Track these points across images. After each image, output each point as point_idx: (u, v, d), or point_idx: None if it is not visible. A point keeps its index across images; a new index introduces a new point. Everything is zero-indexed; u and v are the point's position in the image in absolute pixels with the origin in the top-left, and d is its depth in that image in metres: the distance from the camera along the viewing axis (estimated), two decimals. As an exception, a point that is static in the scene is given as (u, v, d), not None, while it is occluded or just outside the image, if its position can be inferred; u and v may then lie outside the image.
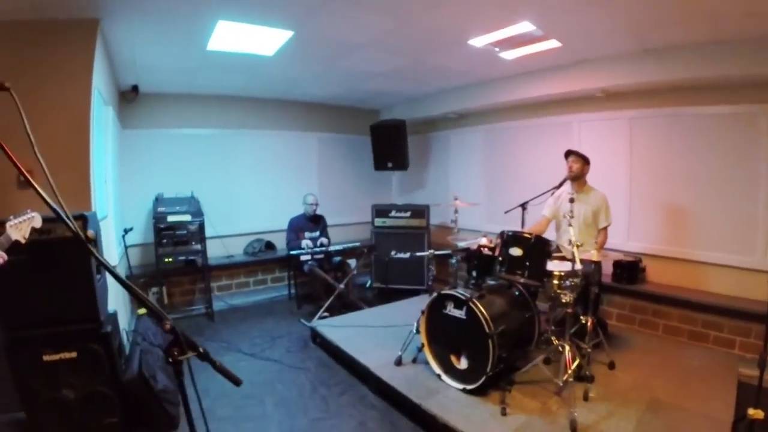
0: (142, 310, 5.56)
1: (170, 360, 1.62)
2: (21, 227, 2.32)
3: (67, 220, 1.64)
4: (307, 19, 4.61)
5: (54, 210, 1.64)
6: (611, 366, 4.68)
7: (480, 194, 8.28)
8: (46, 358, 3.49)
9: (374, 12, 4.48)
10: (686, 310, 5.61)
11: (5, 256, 2.21)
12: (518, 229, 5.23)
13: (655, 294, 5.84)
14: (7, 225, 2.28)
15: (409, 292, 7.55)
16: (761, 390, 3.26)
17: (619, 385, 4.35)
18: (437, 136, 9.60)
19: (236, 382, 1.77)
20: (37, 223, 2.43)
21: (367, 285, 8.60)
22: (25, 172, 1.66)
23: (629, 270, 5.98)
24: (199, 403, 1.92)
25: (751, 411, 3.25)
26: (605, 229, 5.26)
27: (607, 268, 6.04)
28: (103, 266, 1.79)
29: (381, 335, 5.53)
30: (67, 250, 3.43)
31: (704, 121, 5.58)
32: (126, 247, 6.51)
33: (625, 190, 6.32)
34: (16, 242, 2.27)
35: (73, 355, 3.55)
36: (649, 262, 6.11)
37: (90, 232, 1.64)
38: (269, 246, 8.25)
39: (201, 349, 1.67)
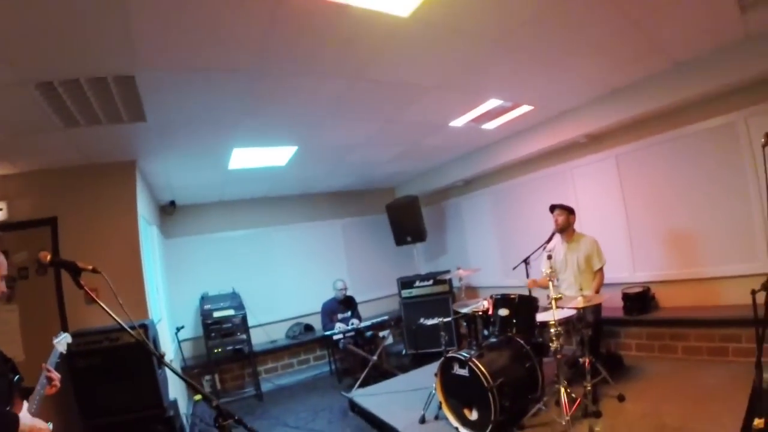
0: (198, 397, 6.21)
1: (217, 425, 2.23)
2: (62, 343, 3.03)
3: (149, 346, 2.31)
4: (306, 135, 5.39)
5: (134, 335, 2.27)
6: (621, 398, 4.82)
7: (494, 252, 8.73)
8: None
9: (361, 119, 5.21)
10: (702, 328, 5.61)
11: (58, 376, 2.78)
12: (525, 282, 5.68)
13: (668, 319, 5.92)
14: (54, 342, 2.98)
15: (438, 354, 7.68)
16: (762, 397, 3.42)
17: (626, 417, 4.48)
18: (450, 204, 10.08)
19: None
20: (69, 339, 3.12)
21: (403, 352, 8.92)
22: (91, 293, 2.22)
23: (639, 300, 6.11)
24: None
25: (756, 421, 3.26)
26: (600, 270, 5.54)
27: (618, 302, 6.27)
28: (175, 373, 2.41)
29: (409, 398, 5.90)
30: (134, 352, 4.15)
31: (686, 142, 5.77)
32: (179, 342, 7.21)
33: (622, 223, 6.54)
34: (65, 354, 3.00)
35: (143, 437, 4.25)
36: (659, 289, 6.21)
37: (162, 351, 2.20)
38: (308, 328, 8.81)
39: (236, 416, 2.26)
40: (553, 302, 4.45)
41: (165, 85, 3.60)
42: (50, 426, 2.54)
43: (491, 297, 5.15)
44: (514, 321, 4.84)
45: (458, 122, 5.93)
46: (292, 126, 5.07)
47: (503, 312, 4.91)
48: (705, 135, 5.60)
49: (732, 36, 4.49)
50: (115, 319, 2.21)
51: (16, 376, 2.66)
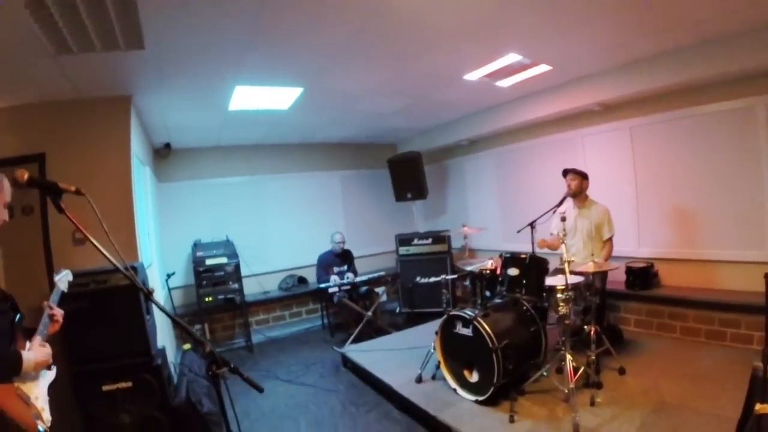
0: (187, 346, 6.07)
1: (210, 374, 2.07)
2: (63, 281, 2.86)
3: (137, 282, 2.07)
4: (313, 76, 5.07)
5: (122, 271, 2.04)
6: (621, 371, 4.83)
7: (495, 215, 8.61)
8: (105, 388, 4.00)
9: (372, 63, 4.90)
10: (702, 310, 5.61)
11: (61, 313, 2.63)
12: (529, 248, 5.45)
13: (669, 297, 5.90)
14: (56, 279, 2.82)
15: (434, 314, 7.64)
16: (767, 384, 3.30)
17: (627, 390, 4.48)
18: (452, 163, 9.94)
19: (259, 389, 2.18)
20: (71, 277, 2.97)
21: (397, 310, 8.86)
22: (84, 231, 2.01)
23: (642, 276, 6.08)
24: (235, 416, 2.32)
25: (758, 406, 3.18)
26: (610, 239, 5.48)
27: (621, 276, 6.17)
28: (163, 311, 2.22)
29: (405, 356, 5.83)
30: (122, 296, 4.00)
31: (703, 121, 5.64)
32: (170, 290, 7.07)
33: (631, 197, 6.44)
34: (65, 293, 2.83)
35: (129, 384, 4.06)
36: (662, 266, 6.17)
37: (151, 288, 2.05)
38: (301, 281, 8.68)
39: (231, 365, 2.11)
40: (567, 264, 4.29)
41: (168, 9, 3.27)
42: (53, 368, 2.42)
43: (500, 255, 5.00)
44: (524, 281, 4.68)
45: (473, 76, 5.64)
46: (299, 66, 4.75)
47: (513, 272, 4.75)
48: (723, 116, 5.47)
49: (762, 18, 4.34)
50: (103, 254, 2.01)
51: (18, 315, 2.49)
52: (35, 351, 2.28)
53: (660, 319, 6.10)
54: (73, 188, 2.06)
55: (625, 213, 6.12)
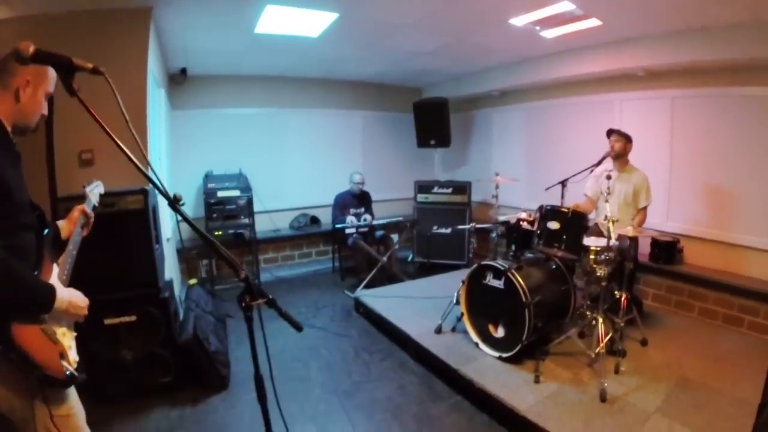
0: (193, 281, 5.86)
1: (243, 305, 1.79)
2: (95, 192, 2.58)
3: (159, 185, 1.77)
4: (352, 1, 4.71)
5: (149, 179, 1.77)
6: (644, 343, 4.75)
7: (521, 171, 8.29)
8: (107, 321, 3.79)
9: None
10: (723, 293, 5.55)
11: (92, 215, 2.43)
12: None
13: (692, 275, 5.79)
14: (87, 191, 2.54)
15: (449, 266, 7.67)
16: None
17: (650, 362, 4.42)
18: (480, 114, 9.60)
19: (298, 328, 1.95)
20: (102, 189, 2.70)
21: (409, 259, 8.72)
22: (122, 145, 1.73)
23: (667, 250, 5.95)
24: (265, 345, 2.05)
25: None
26: (645, 208, 5.28)
27: (645, 248, 6.05)
28: (191, 225, 1.91)
29: (421, 305, 5.68)
30: (130, 221, 3.77)
31: (749, 103, 5.41)
32: (178, 222, 6.76)
33: (665, 170, 6.22)
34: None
35: (133, 318, 3.85)
36: (688, 243, 6.04)
37: (178, 194, 1.76)
38: (314, 220, 8.45)
39: (270, 296, 1.84)
40: (611, 224, 4.05)
41: None
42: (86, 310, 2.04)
43: (540, 208, 4.71)
44: (564, 237, 4.40)
45: (519, 20, 5.32)
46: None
47: (553, 225, 4.46)
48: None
49: None
50: (145, 175, 1.78)
51: (46, 230, 2.16)
52: (71, 293, 1.96)
53: (679, 297, 6.04)
54: (90, 65, 1.73)
55: (657, 185, 5.80)
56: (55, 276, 2.04)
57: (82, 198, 2.50)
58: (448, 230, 7.68)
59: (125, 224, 3.78)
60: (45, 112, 2.04)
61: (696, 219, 6.02)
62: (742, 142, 5.52)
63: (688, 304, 5.93)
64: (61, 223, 2.36)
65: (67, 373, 1.87)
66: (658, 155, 6.25)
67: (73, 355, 2.00)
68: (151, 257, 3.94)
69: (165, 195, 1.79)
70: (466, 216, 8.10)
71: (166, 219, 5.59)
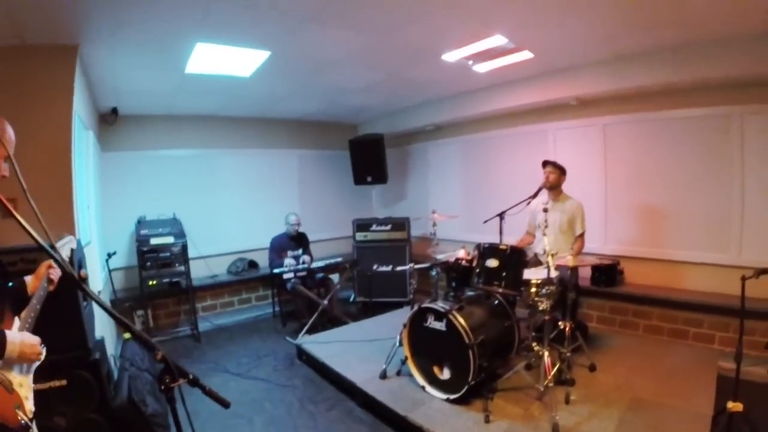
0: (128, 335, 5.58)
1: (162, 388, 1.68)
2: (66, 248, 2.50)
3: (64, 265, 1.72)
4: (283, 39, 4.64)
5: (47, 251, 1.69)
6: (592, 368, 4.78)
7: (459, 205, 8.37)
8: (36, 387, 3.51)
9: (349, 30, 4.52)
10: (666, 309, 5.73)
11: (59, 274, 2.35)
12: (496, 239, 5.27)
13: (634, 295, 5.94)
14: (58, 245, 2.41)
15: (392, 304, 7.58)
16: (739, 383, 3.36)
17: (600, 387, 4.43)
18: (416, 149, 9.62)
19: (225, 405, 1.82)
20: (74, 245, 2.58)
21: (351, 299, 8.59)
22: (8, 204, 1.69)
23: (607, 273, 6.04)
24: (191, 427, 1.94)
25: (730, 404, 3.33)
26: (581, 236, 5.36)
27: (586, 272, 6.15)
28: (102, 307, 1.86)
29: (366, 349, 5.56)
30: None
31: (678, 124, 5.69)
32: (110, 271, 6.48)
33: (600, 194, 6.40)
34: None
35: (63, 383, 3.57)
36: (628, 264, 6.20)
37: (83, 272, 1.69)
38: (252, 265, 8.23)
39: (191, 376, 1.73)
40: (550, 257, 4.07)
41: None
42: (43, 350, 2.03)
43: (478, 246, 4.71)
44: (503, 274, 4.39)
45: (452, 56, 5.39)
46: (270, 24, 4.28)
47: (492, 263, 4.45)
48: (698, 121, 5.56)
49: (753, 29, 4.41)
50: (24, 227, 1.76)
51: (9, 283, 2.16)
52: (23, 334, 1.93)
53: (623, 317, 6.21)
54: None
55: (593, 210, 6.08)
56: (15, 329, 2.02)
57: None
58: (389, 268, 7.61)
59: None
60: (6, 174, 1.98)
61: (633, 239, 6.20)
62: (673, 162, 5.78)
63: (633, 322, 6.10)
64: (28, 278, 2.34)
65: (22, 422, 1.85)
66: (593, 181, 6.43)
67: (29, 406, 1.98)
68: (78, 317, 3.68)
69: (69, 274, 1.76)
70: (407, 252, 8.09)
71: (96, 271, 5.32)
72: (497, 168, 7.83)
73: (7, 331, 1.84)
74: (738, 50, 4.68)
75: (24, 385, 1.95)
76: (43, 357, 2.02)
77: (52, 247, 1.77)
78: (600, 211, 6.38)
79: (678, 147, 5.72)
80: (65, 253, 2.44)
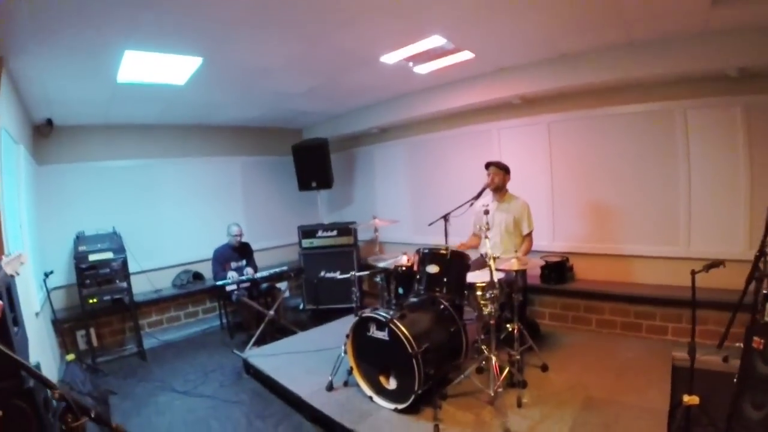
0: (71, 356, 5.39)
1: (64, 428, 1.60)
2: (13, 264, 2.33)
3: None
4: (215, 45, 4.55)
5: None
6: (544, 368, 4.79)
7: (406, 207, 8.39)
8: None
9: (282, 36, 4.46)
10: (617, 303, 5.85)
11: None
12: (441, 241, 5.25)
13: (584, 291, 6.04)
14: (3, 263, 2.35)
15: (341, 311, 7.47)
16: (693, 376, 3.37)
17: (552, 388, 4.43)
18: (361, 152, 9.59)
19: None
20: (24, 259, 2.54)
21: (301, 307, 8.49)
22: None
23: (557, 270, 6.13)
24: None
25: (686, 398, 3.34)
26: (529, 235, 5.39)
27: (536, 270, 6.19)
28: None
29: (313, 360, 5.47)
30: None
31: (621, 120, 5.80)
32: (48, 291, 6.18)
33: (547, 192, 6.48)
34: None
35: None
36: (577, 260, 6.30)
37: None
38: (197, 276, 8.05)
39: (93, 414, 1.63)
40: (492, 261, 4.05)
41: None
42: None
43: (418, 251, 4.70)
44: (444, 279, 4.39)
45: (391, 58, 5.35)
46: (200, 30, 4.16)
47: (432, 269, 4.45)
48: (641, 117, 5.70)
49: (693, 27, 4.58)
50: None
51: None
52: None
53: (576, 313, 6.30)
54: None
55: (540, 207, 6.14)
56: None
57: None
58: (335, 275, 7.56)
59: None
60: None
61: (582, 236, 6.30)
62: (619, 157, 5.89)
63: (585, 318, 6.19)
64: None
65: None
66: (539, 179, 6.51)
67: None
68: (8, 343, 3.49)
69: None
70: (354, 257, 8.04)
71: (32, 293, 5.09)
72: (443, 169, 7.85)
73: None
74: (677, 48, 4.83)
75: None
76: None
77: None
78: (547, 208, 6.46)
79: (624, 143, 5.83)
80: (9, 270, 2.31)
